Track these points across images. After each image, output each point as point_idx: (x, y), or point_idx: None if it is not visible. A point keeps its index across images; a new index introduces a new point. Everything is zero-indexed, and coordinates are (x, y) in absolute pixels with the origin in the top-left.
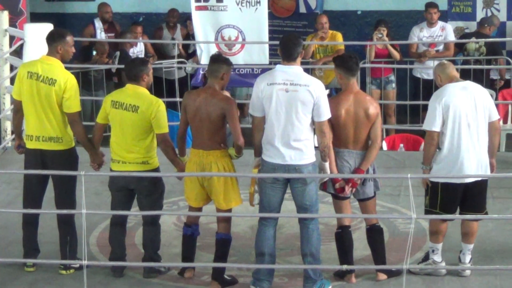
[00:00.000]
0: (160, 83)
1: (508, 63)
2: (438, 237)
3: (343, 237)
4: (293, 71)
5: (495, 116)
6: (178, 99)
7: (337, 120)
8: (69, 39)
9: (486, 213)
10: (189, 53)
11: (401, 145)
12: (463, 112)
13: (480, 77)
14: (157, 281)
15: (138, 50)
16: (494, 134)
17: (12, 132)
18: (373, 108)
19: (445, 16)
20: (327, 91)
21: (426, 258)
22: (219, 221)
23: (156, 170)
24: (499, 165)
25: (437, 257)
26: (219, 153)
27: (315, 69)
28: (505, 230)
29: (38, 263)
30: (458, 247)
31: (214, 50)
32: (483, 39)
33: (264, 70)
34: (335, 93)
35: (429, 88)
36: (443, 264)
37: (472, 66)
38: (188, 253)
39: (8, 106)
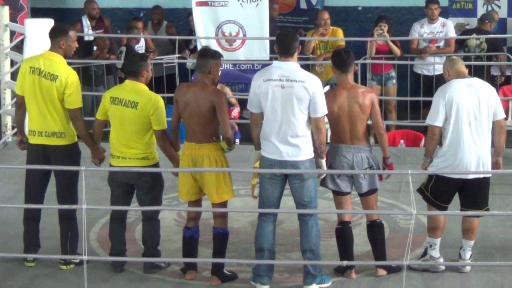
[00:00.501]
0: (160, 78)
1: (508, 59)
2: (436, 232)
3: (343, 233)
4: (289, 67)
5: (501, 115)
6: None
7: (331, 116)
8: (72, 34)
9: (488, 210)
10: (191, 49)
11: (402, 141)
12: (465, 109)
13: (480, 74)
14: (157, 276)
15: (138, 45)
16: (499, 132)
17: (13, 127)
18: (367, 99)
19: (446, 12)
20: (327, 87)
21: (424, 253)
22: (215, 216)
23: (156, 165)
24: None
25: (434, 253)
26: (211, 146)
27: (315, 65)
28: (506, 226)
29: (39, 258)
30: (459, 243)
31: (215, 45)
32: (484, 36)
33: (264, 65)
34: None
35: (429, 84)
36: (441, 260)
37: (473, 63)
38: (188, 254)
39: (8, 101)
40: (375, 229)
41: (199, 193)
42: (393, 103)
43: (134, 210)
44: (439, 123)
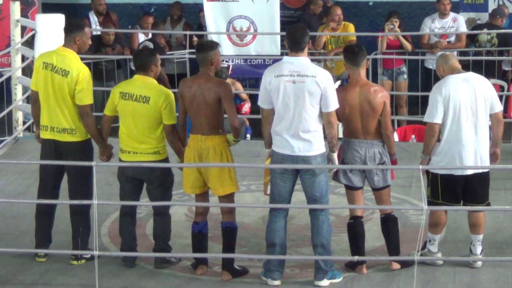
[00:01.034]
0: (171, 75)
1: None
2: (436, 228)
3: (355, 227)
4: (300, 62)
5: (498, 107)
6: None
7: (342, 112)
8: (87, 30)
9: (489, 204)
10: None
11: (413, 136)
12: (463, 104)
13: (492, 69)
14: (168, 271)
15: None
16: (497, 125)
17: (24, 123)
18: (378, 98)
19: (457, 7)
20: (339, 82)
21: (423, 247)
22: (223, 211)
23: (166, 160)
24: (508, 156)
25: (433, 248)
26: (218, 138)
27: (326, 60)
28: None
29: (50, 254)
30: (470, 238)
31: (225, 41)
32: (495, 31)
33: (275, 61)
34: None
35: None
36: (439, 254)
37: (484, 58)
38: (198, 249)
39: (19, 96)
40: (389, 223)
41: (204, 186)
42: (404, 98)
43: (145, 205)
44: (438, 120)
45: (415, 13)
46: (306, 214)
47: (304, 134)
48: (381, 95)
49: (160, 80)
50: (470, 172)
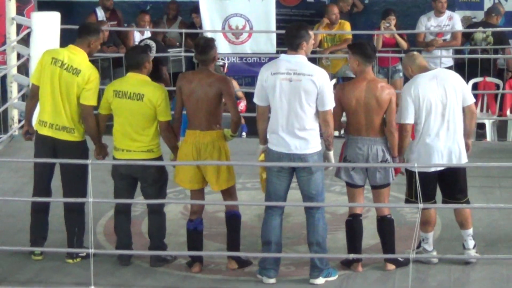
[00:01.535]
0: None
1: None
2: (427, 227)
3: (353, 225)
4: (297, 61)
5: (470, 100)
6: None
7: (348, 107)
8: (101, 36)
9: (468, 200)
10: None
11: None
12: (433, 102)
13: (487, 67)
14: (163, 269)
15: (143, 38)
16: (470, 117)
17: (20, 121)
18: (385, 95)
19: (452, 6)
20: (334, 81)
21: (418, 246)
22: (225, 200)
23: (160, 158)
24: (507, 155)
25: (427, 246)
26: (216, 134)
27: (322, 58)
28: None
29: (45, 252)
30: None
31: (221, 39)
32: (491, 29)
33: (271, 59)
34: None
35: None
36: (434, 253)
37: (479, 56)
38: (193, 247)
39: (15, 94)
40: (385, 225)
41: (202, 181)
42: (400, 96)
43: (141, 203)
44: (409, 120)
45: (410, 11)
46: (301, 212)
47: (300, 132)
48: (388, 91)
49: (162, 79)
50: (443, 168)
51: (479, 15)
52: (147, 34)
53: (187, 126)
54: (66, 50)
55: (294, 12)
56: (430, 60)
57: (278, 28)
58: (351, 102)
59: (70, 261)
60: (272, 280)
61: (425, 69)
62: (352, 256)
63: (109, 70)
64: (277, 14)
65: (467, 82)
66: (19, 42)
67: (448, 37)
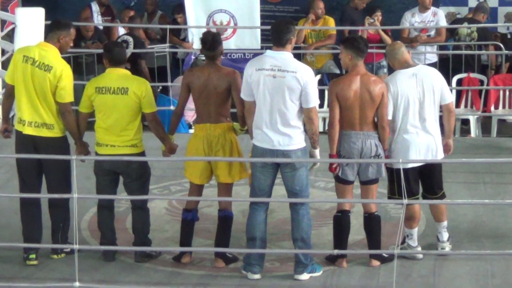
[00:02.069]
0: (151, 68)
1: (499, 48)
2: (411, 223)
3: (341, 221)
4: (282, 57)
5: (449, 98)
6: (169, 83)
7: (346, 100)
8: (73, 31)
9: (443, 194)
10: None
11: None
12: (411, 99)
13: (471, 63)
14: (148, 265)
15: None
16: (448, 116)
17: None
18: (378, 89)
19: (437, 2)
20: (318, 76)
21: (403, 242)
22: (220, 195)
23: (143, 153)
24: (491, 150)
25: (411, 242)
26: (226, 126)
27: (306, 54)
28: (496, 215)
29: (30, 248)
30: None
31: None
32: (476, 25)
33: (255, 55)
34: (327, 79)
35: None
36: (419, 248)
37: (463, 52)
38: (186, 237)
39: None
40: (372, 222)
41: (210, 176)
42: None
43: (125, 199)
44: (389, 116)
45: (395, 7)
46: (286, 208)
47: (283, 129)
48: (380, 86)
49: (141, 73)
50: (420, 164)
51: (463, 11)
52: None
53: (196, 121)
54: (36, 47)
55: (278, 8)
56: (415, 56)
57: (262, 24)
58: (349, 96)
59: (55, 256)
60: (257, 276)
61: (406, 64)
62: (336, 252)
63: (93, 66)
64: (261, 10)
65: (451, 78)
66: (3, 38)
67: (432, 33)
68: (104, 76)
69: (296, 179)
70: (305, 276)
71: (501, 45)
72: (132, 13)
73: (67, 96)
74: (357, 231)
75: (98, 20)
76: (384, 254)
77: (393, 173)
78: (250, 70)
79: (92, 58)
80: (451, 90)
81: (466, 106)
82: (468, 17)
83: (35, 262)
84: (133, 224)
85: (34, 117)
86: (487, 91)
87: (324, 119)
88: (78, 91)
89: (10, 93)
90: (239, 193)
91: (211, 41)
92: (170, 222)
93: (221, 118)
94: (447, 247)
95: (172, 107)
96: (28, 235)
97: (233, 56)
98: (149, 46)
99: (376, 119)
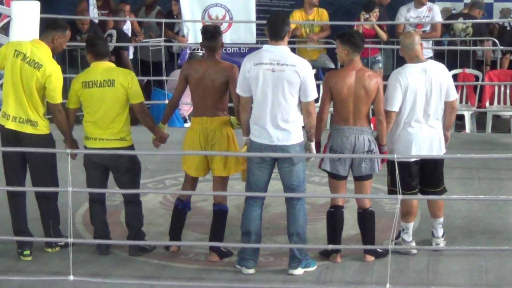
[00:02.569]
0: (146, 62)
1: (495, 44)
2: (408, 217)
3: (335, 216)
4: (280, 51)
5: (453, 96)
6: (164, 77)
7: (338, 96)
8: (68, 34)
9: (444, 189)
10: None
11: None
12: (418, 95)
13: (466, 58)
14: (142, 259)
15: (125, 28)
16: (450, 112)
17: None
18: (373, 84)
19: None
20: (314, 71)
21: (397, 236)
22: (215, 189)
23: (132, 147)
24: (486, 146)
25: (406, 237)
26: (223, 120)
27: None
28: (491, 211)
29: (24, 241)
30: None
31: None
32: (471, 20)
33: (251, 49)
34: (321, 73)
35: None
36: (413, 243)
37: (458, 48)
38: (176, 226)
39: None
40: (366, 218)
41: (207, 169)
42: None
43: (120, 193)
44: (396, 108)
45: (390, 2)
46: (280, 203)
47: (283, 124)
48: (375, 81)
49: (124, 64)
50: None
51: (459, 7)
52: (127, 24)
53: (193, 114)
54: (29, 43)
55: (273, 2)
56: None
57: (257, 18)
58: (342, 90)
59: (49, 250)
60: (251, 271)
61: (416, 59)
62: (331, 247)
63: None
64: (256, 5)
65: None
66: None
67: (427, 28)
68: (89, 71)
69: (294, 174)
70: (299, 271)
71: (497, 41)
72: (127, 7)
73: (57, 97)
74: (351, 227)
75: (94, 13)
76: (379, 249)
77: (393, 166)
78: (248, 65)
79: None
80: None
81: (461, 101)
82: (463, 12)
83: (29, 258)
84: (126, 217)
85: (19, 113)
86: (482, 87)
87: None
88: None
89: None
90: (234, 187)
91: (212, 31)
92: (164, 216)
93: (218, 111)
94: (442, 243)
95: (167, 101)
96: (18, 228)
97: (228, 50)
98: (144, 40)
99: (370, 115)
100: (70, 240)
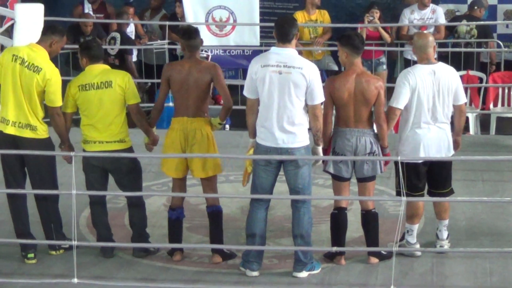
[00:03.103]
0: (150, 65)
1: (498, 46)
2: (413, 219)
3: (338, 218)
4: (287, 53)
5: (462, 99)
6: None
7: (340, 100)
8: (65, 39)
9: (452, 190)
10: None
11: None
12: (425, 97)
13: (470, 60)
14: (146, 261)
15: (129, 31)
16: (460, 116)
17: None
18: (373, 89)
19: None
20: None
21: (401, 238)
22: (205, 192)
23: (131, 148)
24: (490, 148)
25: (411, 239)
26: (203, 120)
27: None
28: (495, 213)
29: (28, 244)
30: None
31: (205, 31)
32: (475, 22)
33: (254, 51)
34: (325, 75)
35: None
36: (418, 246)
37: (462, 49)
38: (175, 236)
39: None
40: (370, 219)
41: (186, 169)
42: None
43: (123, 195)
44: (401, 105)
45: (394, 4)
46: (285, 205)
47: (289, 127)
48: (376, 85)
49: (129, 69)
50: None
51: (463, 9)
52: (131, 27)
53: (174, 114)
54: (27, 47)
55: (277, 5)
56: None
57: (261, 21)
58: (343, 95)
59: (53, 253)
60: (255, 273)
61: (426, 61)
62: (335, 249)
63: None
64: (260, 7)
65: None
66: (2, 33)
67: (431, 30)
68: (85, 74)
69: (299, 177)
70: (303, 274)
71: (501, 43)
72: (131, 10)
73: (57, 100)
74: (355, 229)
75: (89, 17)
76: (383, 252)
77: (402, 167)
78: (255, 67)
79: None
80: None
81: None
82: (466, 14)
83: (33, 261)
84: (130, 218)
85: (19, 118)
86: (486, 89)
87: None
88: None
89: None
90: (238, 189)
91: (189, 30)
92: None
93: (199, 112)
94: (446, 246)
95: (171, 104)
96: (21, 231)
97: (233, 52)
98: (148, 43)
99: (373, 117)
100: (75, 243)
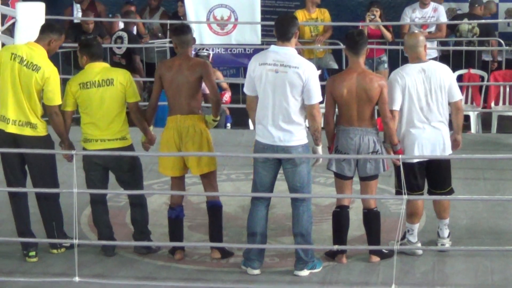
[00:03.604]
0: (151, 63)
1: (500, 44)
2: (413, 218)
3: (340, 216)
4: (285, 52)
5: (457, 96)
6: None
7: (340, 99)
8: (63, 37)
9: (452, 190)
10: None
11: None
12: (416, 96)
13: (472, 59)
14: (147, 260)
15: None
16: (456, 113)
17: None
18: (375, 88)
19: None
20: (319, 72)
21: (403, 237)
22: (206, 189)
23: (132, 145)
24: (491, 147)
25: (412, 238)
26: (197, 117)
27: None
28: (496, 211)
29: (30, 242)
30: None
31: (206, 29)
32: (476, 21)
33: (256, 50)
34: (327, 74)
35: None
36: (419, 244)
37: (464, 48)
38: (175, 235)
39: None
40: (372, 218)
41: (183, 168)
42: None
43: (125, 194)
44: (396, 107)
45: (395, 2)
46: (286, 204)
47: (285, 125)
48: (377, 84)
49: (136, 68)
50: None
51: (464, 7)
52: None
53: (168, 113)
54: (25, 46)
55: (279, 3)
56: None
57: (263, 19)
58: (342, 93)
59: (55, 251)
60: (257, 271)
61: (417, 60)
62: (336, 247)
63: None
64: (262, 6)
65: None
66: (3, 32)
67: (433, 29)
68: (85, 72)
69: (297, 175)
70: (305, 273)
71: (502, 41)
72: (132, 8)
73: (56, 99)
74: (357, 227)
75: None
76: (384, 250)
77: (399, 167)
78: (253, 64)
79: None
80: None
81: (466, 102)
82: (467, 13)
83: (35, 260)
84: (132, 216)
85: (19, 116)
86: (487, 87)
87: (324, 115)
88: None
89: None
90: (239, 188)
91: (181, 27)
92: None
93: (191, 109)
94: (447, 244)
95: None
96: (22, 229)
97: (234, 51)
98: (149, 42)
99: (376, 115)
100: (76, 241)
